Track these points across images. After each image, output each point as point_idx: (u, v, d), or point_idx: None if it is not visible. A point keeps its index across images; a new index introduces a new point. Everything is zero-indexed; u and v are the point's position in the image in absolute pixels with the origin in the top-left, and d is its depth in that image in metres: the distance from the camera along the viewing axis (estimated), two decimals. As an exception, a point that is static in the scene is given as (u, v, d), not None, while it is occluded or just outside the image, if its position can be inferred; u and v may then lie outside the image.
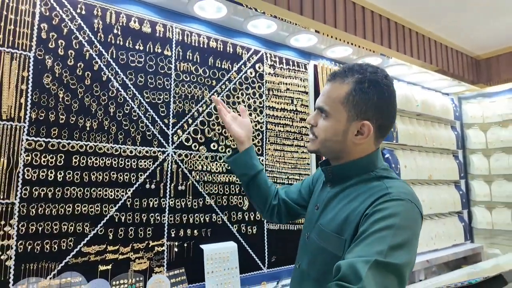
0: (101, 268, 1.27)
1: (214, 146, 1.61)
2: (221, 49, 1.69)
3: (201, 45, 1.63)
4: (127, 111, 1.40)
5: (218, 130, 1.63)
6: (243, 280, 1.55)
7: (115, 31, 1.41)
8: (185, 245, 1.47)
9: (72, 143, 1.27)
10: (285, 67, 1.92)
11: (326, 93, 0.92)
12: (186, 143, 1.53)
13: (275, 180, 1.80)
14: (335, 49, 1.99)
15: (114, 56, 1.39)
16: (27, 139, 1.19)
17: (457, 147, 2.87)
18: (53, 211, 1.21)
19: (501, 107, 2.81)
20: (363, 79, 0.86)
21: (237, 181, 1.65)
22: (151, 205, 1.40)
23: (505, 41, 2.65)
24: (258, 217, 1.70)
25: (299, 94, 1.95)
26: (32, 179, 1.19)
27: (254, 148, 1.24)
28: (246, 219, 1.66)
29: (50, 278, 1.18)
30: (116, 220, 1.32)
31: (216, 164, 1.61)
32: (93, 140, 1.31)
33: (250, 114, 1.74)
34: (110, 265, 1.29)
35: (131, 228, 1.35)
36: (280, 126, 1.86)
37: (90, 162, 1.30)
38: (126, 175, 1.36)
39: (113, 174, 1.34)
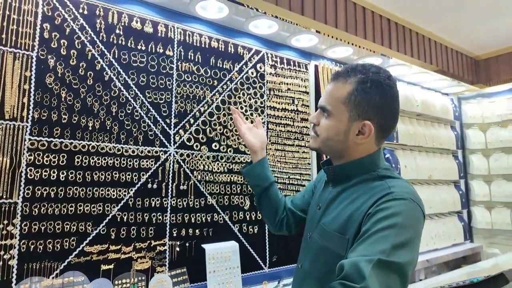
0: (104, 267, 1.28)
1: (215, 146, 1.61)
2: (223, 49, 1.69)
3: (203, 45, 1.63)
4: (129, 111, 1.40)
5: (220, 130, 1.64)
6: (245, 279, 1.55)
7: (117, 31, 1.41)
8: (187, 244, 1.48)
9: (74, 142, 1.28)
10: (286, 67, 1.92)
11: (329, 92, 0.92)
12: (187, 143, 1.54)
13: (276, 180, 1.80)
14: (336, 49, 2.00)
15: (116, 56, 1.39)
16: (29, 139, 1.20)
17: (457, 147, 2.88)
18: (55, 211, 1.21)
19: (501, 107, 2.83)
20: (365, 79, 0.86)
21: (238, 181, 1.66)
22: (153, 205, 1.41)
23: (505, 42, 2.66)
24: (259, 216, 1.70)
25: (300, 94, 1.96)
26: (35, 178, 1.19)
27: (267, 159, 1.25)
28: (248, 219, 1.67)
29: (53, 278, 1.18)
30: (118, 220, 1.33)
31: (218, 164, 1.61)
32: (95, 139, 1.32)
33: (251, 114, 1.75)
34: (113, 264, 1.29)
35: (133, 227, 1.35)
36: (281, 126, 1.86)
37: (92, 162, 1.30)
38: (128, 174, 1.37)
39: (115, 173, 1.34)
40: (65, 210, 1.23)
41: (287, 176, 1.84)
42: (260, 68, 1.81)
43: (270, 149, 1.80)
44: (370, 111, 0.85)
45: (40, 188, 1.20)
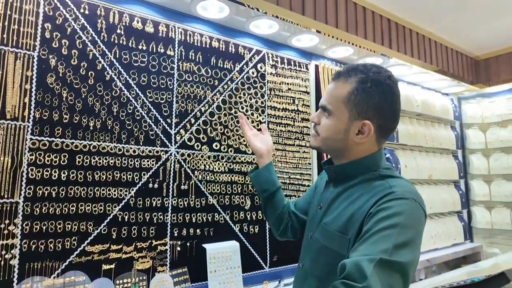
0: (105, 267, 1.28)
1: (216, 145, 1.62)
2: (223, 49, 1.70)
3: (204, 45, 1.63)
4: (130, 111, 1.40)
5: (221, 130, 1.64)
6: (245, 279, 1.55)
7: (118, 31, 1.41)
8: (188, 244, 1.48)
9: (75, 142, 1.28)
10: (287, 67, 1.92)
11: (330, 92, 0.93)
12: (188, 143, 1.54)
13: (277, 180, 1.80)
14: (336, 49, 2.00)
15: (117, 56, 1.39)
16: (31, 139, 1.20)
17: (457, 147, 2.88)
18: (57, 210, 1.21)
19: (500, 107, 2.83)
20: (366, 79, 0.86)
21: (239, 180, 1.66)
22: (154, 205, 1.41)
23: (505, 42, 2.67)
24: (260, 216, 1.71)
25: (300, 94, 1.96)
26: (36, 178, 1.19)
27: (273, 164, 1.26)
28: (248, 219, 1.67)
29: (54, 277, 1.18)
30: (120, 220, 1.33)
31: (219, 163, 1.61)
32: (97, 139, 1.32)
33: (252, 114, 1.75)
34: (114, 264, 1.29)
35: (134, 227, 1.35)
36: (282, 126, 1.86)
37: (93, 162, 1.30)
38: (129, 174, 1.37)
39: (117, 173, 1.34)
40: (66, 210, 1.23)
41: (288, 176, 1.84)
42: (261, 68, 1.81)
43: (271, 149, 1.80)
44: (370, 111, 0.85)
45: (41, 188, 1.20)
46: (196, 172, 1.54)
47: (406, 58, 2.24)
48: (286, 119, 1.89)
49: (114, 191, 1.33)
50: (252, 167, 1.71)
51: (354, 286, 0.64)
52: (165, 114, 1.49)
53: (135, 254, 1.34)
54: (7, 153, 1.15)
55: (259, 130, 1.33)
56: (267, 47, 1.86)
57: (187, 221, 1.49)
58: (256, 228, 1.69)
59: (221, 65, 1.68)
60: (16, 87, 1.19)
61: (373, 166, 0.90)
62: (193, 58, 1.60)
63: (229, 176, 1.63)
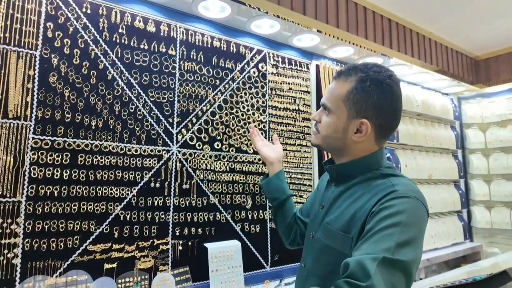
0: (107, 266, 1.28)
1: (218, 145, 1.62)
2: (225, 49, 1.70)
3: (205, 45, 1.64)
4: (132, 110, 1.40)
5: (222, 129, 1.64)
6: (246, 278, 1.55)
7: (120, 30, 1.41)
8: (189, 243, 1.48)
9: (77, 141, 1.28)
10: (288, 66, 1.93)
11: (330, 90, 0.93)
12: (190, 142, 1.54)
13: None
14: (337, 49, 2.01)
15: (119, 55, 1.40)
16: (33, 138, 1.20)
17: (457, 147, 2.89)
18: (59, 210, 1.21)
19: (500, 107, 2.84)
20: (365, 78, 0.86)
21: (240, 180, 1.66)
22: (155, 204, 1.41)
23: (505, 42, 2.67)
24: (261, 216, 1.71)
25: (301, 93, 1.96)
26: (38, 177, 1.19)
27: (284, 172, 1.27)
28: (250, 218, 1.67)
29: (56, 276, 1.18)
30: (121, 219, 1.33)
31: (220, 163, 1.61)
32: (99, 138, 1.32)
33: (253, 114, 1.75)
34: (116, 263, 1.29)
35: (136, 226, 1.36)
36: (283, 126, 1.87)
37: (95, 161, 1.30)
38: (131, 173, 1.37)
39: (118, 172, 1.34)
40: (69, 209, 1.23)
41: (289, 176, 1.85)
42: (262, 67, 1.82)
43: (272, 148, 1.80)
44: (369, 110, 0.85)
45: (43, 187, 1.20)
46: (197, 171, 1.54)
47: (406, 58, 2.24)
48: (287, 119, 1.89)
49: (116, 190, 1.33)
50: (253, 166, 1.71)
51: (358, 285, 0.65)
52: (166, 113, 1.49)
53: (137, 253, 1.35)
54: (9, 152, 1.15)
55: (268, 138, 1.35)
56: (268, 46, 1.86)
57: (189, 221, 1.49)
58: (258, 227, 1.69)
59: (223, 65, 1.68)
60: (18, 86, 1.19)
61: (374, 165, 0.90)
62: (194, 57, 1.60)
63: (230, 175, 1.63)
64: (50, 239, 1.19)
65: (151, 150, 1.43)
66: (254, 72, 1.78)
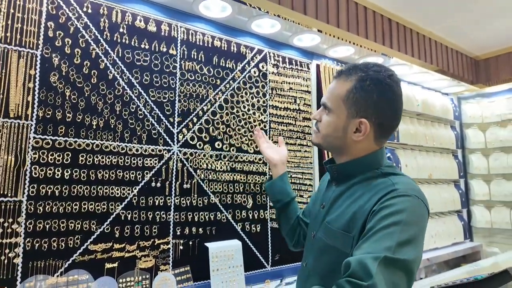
0: (108, 266, 1.28)
1: (218, 144, 1.62)
2: (225, 48, 1.70)
3: (206, 44, 1.64)
4: (133, 110, 1.40)
5: (223, 129, 1.64)
6: (247, 278, 1.56)
7: (121, 29, 1.41)
8: (190, 243, 1.48)
9: (78, 141, 1.28)
10: (288, 66, 1.93)
11: (331, 90, 0.93)
12: (191, 142, 1.54)
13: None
14: (338, 48, 2.01)
15: (120, 55, 1.40)
16: (34, 137, 1.20)
17: (457, 147, 2.89)
18: (60, 209, 1.21)
19: (500, 107, 2.84)
20: (365, 77, 0.86)
21: (241, 179, 1.66)
22: (156, 203, 1.41)
23: (505, 42, 2.68)
24: (262, 215, 1.71)
25: (302, 93, 1.96)
26: (39, 177, 1.19)
27: (287, 174, 1.28)
28: (250, 218, 1.67)
29: (57, 276, 1.18)
30: (122, 218, 1.33)
31: (221, 162, 1.62)
32: (100, 138, 1.32)
33: (254, 113, 1.76)
34: (117, 263, 1.30)
35: (137, 226, 1.36)
36: (283, 125, 1.87)
37: (96, 160, 1.30)
38: (132, 173, 1.37)
39: (119, 172, 1.34)
40: (70, 209, 1.23)
41: (289, 175, 1.85)
42: (263, 67, 1.82)
43: (272, 148, 1.80)
44: (369, 109, 0.85)
45: (44, 187, 1.20)
46: (198, 171, 1.54)
47: (406, 57, 2.25)
48: (288, 118, 1.89)
49: (117, 190, 1.33)
50: (254, 166, 1.71)
51: (360, 285, 0.64)
52: (167, 113, 1.49)
53: (138, 253, 1.35)
54: (11, 152, 1.15)
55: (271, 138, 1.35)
56: (268, 46, 1.86)
57: (190, 220, 1.49)
58: (258, 227, 1.69)
59: (223, 64, 1.68)
60: (19, 86, 1.19)
61: (374, 164, 0.90)
62: (195, 57, 1.60)
63: (231, 175, 1.64)
64: (51, 239, 1.19)
65: (152, 150, 1.43)
66: (254, 72, 1.78)
